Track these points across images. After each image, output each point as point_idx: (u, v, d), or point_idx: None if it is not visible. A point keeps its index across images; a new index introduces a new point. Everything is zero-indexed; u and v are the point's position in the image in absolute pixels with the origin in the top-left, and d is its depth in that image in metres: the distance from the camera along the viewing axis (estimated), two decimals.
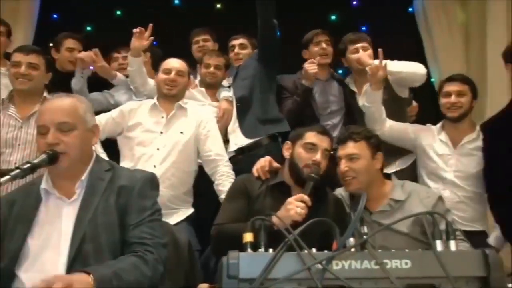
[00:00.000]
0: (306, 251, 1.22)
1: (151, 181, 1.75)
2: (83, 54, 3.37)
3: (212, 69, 3.37)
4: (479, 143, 2.79)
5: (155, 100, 2.95)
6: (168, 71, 2.90)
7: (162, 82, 2.91)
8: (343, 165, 2.21)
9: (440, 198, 2.24)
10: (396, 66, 2.98)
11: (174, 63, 2.94)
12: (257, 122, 3.10)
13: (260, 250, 1.27)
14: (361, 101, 3.12)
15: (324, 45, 3.31)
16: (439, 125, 2.98)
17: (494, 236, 2.73)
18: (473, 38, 4.34)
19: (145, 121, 2.86)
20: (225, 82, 3.52)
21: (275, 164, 2.35)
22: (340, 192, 2.37)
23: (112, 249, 1.59)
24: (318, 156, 2.15)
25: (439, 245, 1.27)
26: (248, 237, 1.29)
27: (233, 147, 3.13)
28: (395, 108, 3.09)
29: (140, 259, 1.56)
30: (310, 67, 3.08)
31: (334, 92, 3.30)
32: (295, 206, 1.95)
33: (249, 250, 1.28)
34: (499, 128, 2.43)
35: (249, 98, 3.18)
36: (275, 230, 1.36)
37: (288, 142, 2.29)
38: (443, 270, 1.18)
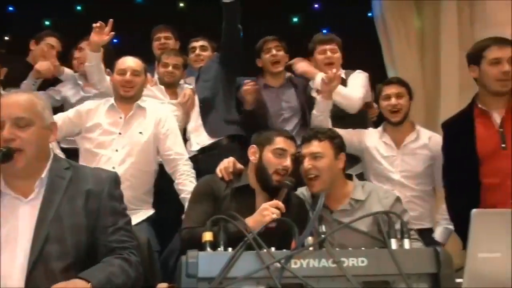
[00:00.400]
0: (265, 250, 1.23)
1: (116, 181, 1.75)
2: (41, 67, 3.28)
3: (170, 68, 3.33)
4: (421, 142, 2.90)
5: (112, 100, 2.88)
6: (123, 72, 2.83)
7: (118, 84, 2.83)
8: (307, 163, 2.24)
9: (398, 199, 2.29)
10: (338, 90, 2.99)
11: (129, 63, 2.86)
12: (222, 122, 3.10)
13: (219, 249, 1.28)
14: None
15: (274, 51, 3.25)
16: (380, 127, 3.03)
17: (438, 231, 2.83)
18: (428, 45, 4.48)
19: (103, 122, 2.80)
20: (182, 82, 3.49)
21: (239, 166, 2.34)
22: (302, 191, 2.40)
23: (77, 251, 1.57)
24: (288, 162, 2.17)
25: (393, 244, 1.31)
26: (207, 236, 1.29)
27: (195, 146, 3.12)
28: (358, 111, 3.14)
29: (126, 262, 1.58)
30: (247, 91, 3.04)
31: (288, 98, 3.26)
32: (271, 212, 1.96)
33: (208, 249, 1.28)
34: (458, 128, 2.52)
35: (211, 99, 3.18)
36: (236, 230, 1.37)
37: (254, 145, 2.28)
38: (397, 268, 1.22)
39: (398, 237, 1.33)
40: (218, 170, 2.30)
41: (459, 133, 2.50)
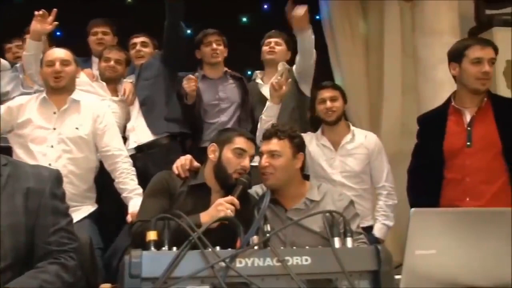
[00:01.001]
0: (210, 250, 1.22)
1: (58, 179, 1.67)
2: None
3: (112, 63, 3.24)
4: (357, 142, 3.00)
5: (44, 94, 2.74)
6: (51, 63, 2.71)
7: (48, 76, 2.71)
8: (264, 160, 2.24)
9: (352, 202, 2.32)
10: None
11: (57, 53, 2.75)
12: (163, 120, 3.06)
13: (163, 248, 1.25)
14: (266, 92, 3.17)
15: (214, 45, 3.28)
16: (319, 131, 3.12)
17: (377, 227, 2.94)
18: (373, 49, 4.61)
19: (35, 117, 2.67)
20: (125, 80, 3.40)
21: (195, 164, 2.30)
22: (256, 189, 2.39)
23: (16, 252, 1.49)
24: (246, 162, 2.16)
25: (337, 242, 1.33)
26: (151, 235, 1.27)
27: (132, 144, 3.06)
28: (300, 107, 3.22)
29: (62, 267, 1.51)
30: (188, 85, 3.05)
31: (225, 90, 3.30)
32: (225, 208, 1.95)
33: (152, 248, 1.26)
34: (431, 123, 2.59)
35: (152, 97, 3.12)
36: (181, 229, 1.35)
37: (214, 144, 2.25)
38: (339, 265, 1.24)
39: (342, 236, 1.35)
40: (174, 167, 2.26)
41: (431, 128, 2.58)
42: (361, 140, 3.02)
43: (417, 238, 1.33)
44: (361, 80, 4.48)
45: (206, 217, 1.94)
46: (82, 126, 2.71)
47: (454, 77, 2.54)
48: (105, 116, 2.79)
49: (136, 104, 3.18)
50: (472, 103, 2.48)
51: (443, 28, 4.04)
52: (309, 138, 3.06)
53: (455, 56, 2.50)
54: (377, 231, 2.93)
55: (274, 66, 3.28)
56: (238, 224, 1.29)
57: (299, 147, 2.30)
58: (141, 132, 3.08)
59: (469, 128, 2.45)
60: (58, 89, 2.72)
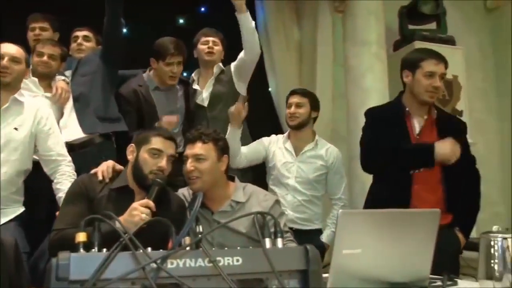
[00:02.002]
0: (141, 251, 1.19)
1: None
2: None
3: (45, 58, 3.05)
4: (318, 152, 3.08)
5: None
6: (0, 57, 2.57)
7: None
8: (189, 165, 2.21)
9: (277, 202, 2.35)
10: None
11: (8, 49, 2.60)
12: (97, 119, 2.95)
13: (93, 250, 1.22)
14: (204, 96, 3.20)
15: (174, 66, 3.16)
16: (286, 134, 3.20)
17: (325, 234, 3.04)
18: (306, 56, 4.72)
19: None
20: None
21: (119, 167, 2.24)
22: (182, 192, 2.37)
23: None
24: (163, 163, 2.10)
25: (267, 243, 1.35)
26: (80, 237, 1.22)
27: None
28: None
29: None
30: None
31: (174, 97, 3.24)
32: (140, 211, 1.89)
33: (81, 250, 1.22)
34: (388, 117, 2.60)
35: (88, 95, 3.01)
36: (111, 231, 1.31)
37: (132, 144, 2.19)
38: (270, 265, 1.26)
39: (272, 237, 1.37)
40: (98, 172, 2.18)
41: (389, 125, 2.56)
42: (321, 151, 3.10)
43: (344, 238, 1.39)
44: (294, 85, 4.56)
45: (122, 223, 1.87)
46: (21, 127, 2.57)
47: (404, 83, 2.61)
48: (48, 118, 2.66)
49: (70, 100, 3.04)
50: (420, 111, 2.57)
51: (372, 39, 4.22)
52: (275, 139, 3.18)
53: (410, 65, 2.57)
54: (325, 237, 3.02)
55: (211, 67, 3.26)
56: (169, 225, 1.27)
57: (224, 149, 2.30)
58: (73, 130, 2.95)
59: (418, 137, 2.53)
60: (1, 86, 2.56)
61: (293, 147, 3.11)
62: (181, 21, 4.87)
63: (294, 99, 3.10)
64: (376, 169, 2.65)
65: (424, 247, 1.50)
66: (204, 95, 3.24)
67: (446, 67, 2.55)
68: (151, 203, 1.93)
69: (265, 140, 3.19)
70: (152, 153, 2.11)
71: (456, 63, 4.62)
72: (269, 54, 4.62)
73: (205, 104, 3.22)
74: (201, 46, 3.27)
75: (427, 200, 2.46)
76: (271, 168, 3.13)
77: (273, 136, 3.23)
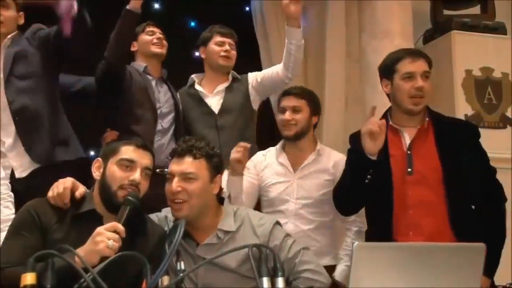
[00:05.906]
0: None
1: None
2: None
3: None
4: (320, 165, 2.96)
5: None
6: None
7: None
8: (176, 184, 2.17)
9: (277, 223, 2.29)
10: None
11: None
12: (50, 144, 2.87)
13: None
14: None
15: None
16: (279, 145, 3.06)
17: (339, 269, 2.88)
18: (311, 51, 4.64)
19: None
20: None
21: (80, 188, 2.16)
22: (166, 214, 2.32)
23: None
24: (136, 175, 2.07)
25: (265, 283, 1.34)
26: (28, 278, 1.21)
27: (20, 172, 2.82)
28: (247, 121, 3.33)
29: None
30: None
31: (165, 92, 3.33)
32: (106, 237, 1.82)
33: None
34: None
35: (34, 109, 2.86)
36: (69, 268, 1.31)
37: (99, 159, 2.16)
38: None
39: (272, 274, 1.37)
40: (50, 197, 2.11)
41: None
42: (326, 163, 2.98)
43: (360, 272, 1.41)
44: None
45: (84, 252, 1.78)
46: None
47: (387, 95, 2.65)
48: None
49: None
50: (411, 123, 2.58)
51: (395, 30, 4.23)
52: (261, 158, 3.06)
53: (386, 71, 2.61)
54: (338, 274, 2.86)
55: (225, 73, 3.34)
56: (143, 262, 1.27)
57: (217, 168, 2.27)
58: (18, 158, 2.83)
59: (409, 152, 2.53)
60: None
61: (289, 161, 2.99)
62: (156, 6, 4.90)
63: (289, 102, 2.96)
64: (350, 210, 2.74)
65: (445, 283, 1.52)
66: (213, 101, 3.31)
67: (428, 64, 2.59)
68: (119, 227, 1.87)
69: (251, 169, 2.99)
70: (123, 165, 2.08)
71: (506, 57, 4.33)
72: (266, 47, 4.61)
73: (216, 110, 3.28)
74: (214, 47, 3.34)
75: (425, 228, 2.47)
76: (263, 190, 3.00)
77: (258, 154, 3.10)
